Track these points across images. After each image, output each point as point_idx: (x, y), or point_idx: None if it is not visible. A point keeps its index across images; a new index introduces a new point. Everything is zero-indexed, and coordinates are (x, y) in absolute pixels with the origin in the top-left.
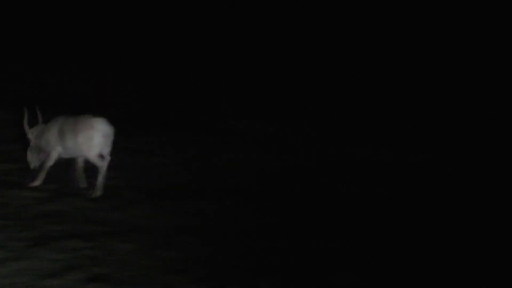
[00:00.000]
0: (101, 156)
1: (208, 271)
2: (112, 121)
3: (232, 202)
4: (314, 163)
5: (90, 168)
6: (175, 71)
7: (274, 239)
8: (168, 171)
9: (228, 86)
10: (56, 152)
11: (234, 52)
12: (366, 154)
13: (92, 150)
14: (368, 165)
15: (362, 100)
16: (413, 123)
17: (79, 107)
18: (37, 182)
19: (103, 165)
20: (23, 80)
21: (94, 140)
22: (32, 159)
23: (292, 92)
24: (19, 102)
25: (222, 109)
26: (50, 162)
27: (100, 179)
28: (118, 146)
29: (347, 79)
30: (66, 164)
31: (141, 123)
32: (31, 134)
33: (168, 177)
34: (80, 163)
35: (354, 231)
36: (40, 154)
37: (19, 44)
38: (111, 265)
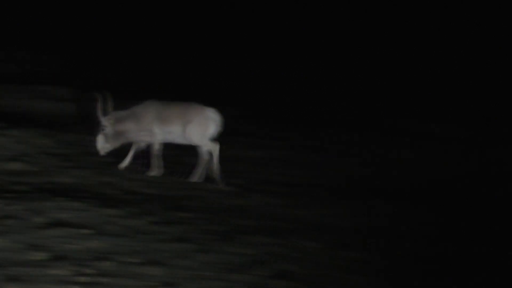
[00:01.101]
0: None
1: (385, 273)
2: None
3: (409, 203)
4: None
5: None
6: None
7: (443, 243)
8: (344, 168)
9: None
10: (154, 136)
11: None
12: None
13: (204, 139)
14: None
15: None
16: None
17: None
18: (155, 171)
19: (206, 156)
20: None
21: (208, 129)
22: (104, 146)
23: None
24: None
25: (388, 109)
26: (157, 147)
27: (199, 167)
28: (281, 142)
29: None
30: (251, 162)
31: None
32: (107, 120)
33: (346, 175)
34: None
35: None
36: (116, 141)
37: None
38: (296, 263)
